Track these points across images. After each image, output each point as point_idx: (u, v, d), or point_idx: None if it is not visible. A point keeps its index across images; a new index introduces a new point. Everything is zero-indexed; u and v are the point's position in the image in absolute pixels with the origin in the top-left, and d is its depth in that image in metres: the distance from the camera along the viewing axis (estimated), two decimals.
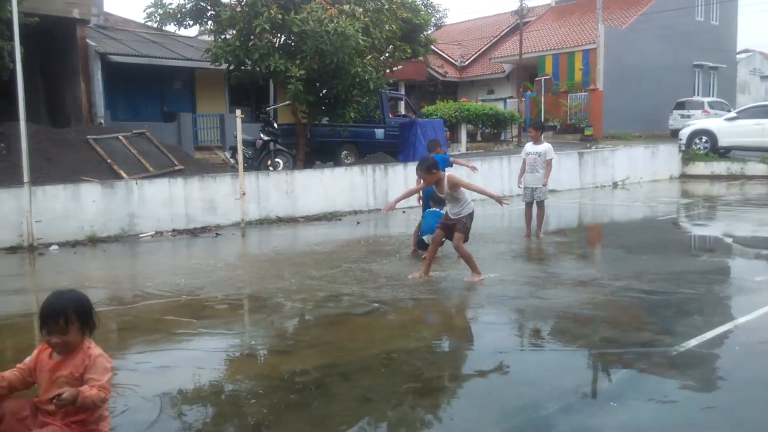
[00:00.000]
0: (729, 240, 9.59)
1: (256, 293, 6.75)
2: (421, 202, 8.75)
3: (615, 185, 17.82)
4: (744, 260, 8.28)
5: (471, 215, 6.80)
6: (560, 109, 26.94)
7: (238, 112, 11.24)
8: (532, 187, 9.46)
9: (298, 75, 13.07)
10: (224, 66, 14.61)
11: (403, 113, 20.84)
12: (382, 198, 13.34)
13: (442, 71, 33.23)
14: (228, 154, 16.24)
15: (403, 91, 26.74)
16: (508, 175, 15.53)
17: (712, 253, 9.00)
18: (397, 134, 17.87)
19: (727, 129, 19.23)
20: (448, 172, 6.85)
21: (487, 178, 14.35)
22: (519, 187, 9.94)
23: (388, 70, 17.05)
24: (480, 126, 24.91)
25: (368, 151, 16.85)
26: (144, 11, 14.10)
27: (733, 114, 20.22)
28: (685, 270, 7.35)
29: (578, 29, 29.89)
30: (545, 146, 9.40)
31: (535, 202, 9.49)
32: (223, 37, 14.27)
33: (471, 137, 24.81)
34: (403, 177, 14.02)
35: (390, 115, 18.48)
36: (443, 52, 33.83)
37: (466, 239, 6.75)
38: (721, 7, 31.95)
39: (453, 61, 34.52)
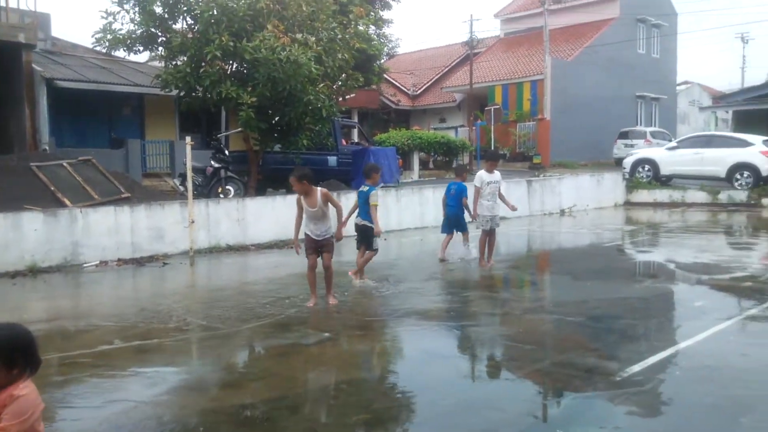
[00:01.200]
0: (671, 266, 9.88)
1: (203, 325, 6.59)
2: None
3: (562, 212, 18.21)
4: (685, 285, 8.52)
5: (333, 233, 7.31)
6: (509, 138, 27.52)
7: (188, 138, 11.10)
8: (492, 214, 9.56)
9: (249, 102, 12.99)
10: (174, 92, 14.44)
11: (356, 141, 20.93)
12: (335, 224, 13.26)
13: (394, 99, 33.62)
14: (177, 182, 15.97)
15: (356, 119, 26.92)
16: None
17: (655, 278, 9.26)
18: (350, 162, 17.91)
19: (668, 158, 19.94)
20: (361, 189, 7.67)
21: (440, 206, 14.44)
22: (474, 218, 9.75)
23: (340, 98, 17.13)
24: (432, 154, 25.23)
25: (321, 178, 16.78)
26: (92, 36, 13.84)
27: (673, 144, 20.99)
28: (629, 296, 7.54)
29: (526, 60, 30.74)
30: (499, 174, 9.72)
31: (490, 228, 9.58)
32: (173, 63, 14.12)
33: (423, 165, 25.09)
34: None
35: (343, 143, 18.53)
36: (396, 81, 34.26)
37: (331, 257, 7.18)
38: (661, 41, 33.43)
39: (405, 90, 35.00)
